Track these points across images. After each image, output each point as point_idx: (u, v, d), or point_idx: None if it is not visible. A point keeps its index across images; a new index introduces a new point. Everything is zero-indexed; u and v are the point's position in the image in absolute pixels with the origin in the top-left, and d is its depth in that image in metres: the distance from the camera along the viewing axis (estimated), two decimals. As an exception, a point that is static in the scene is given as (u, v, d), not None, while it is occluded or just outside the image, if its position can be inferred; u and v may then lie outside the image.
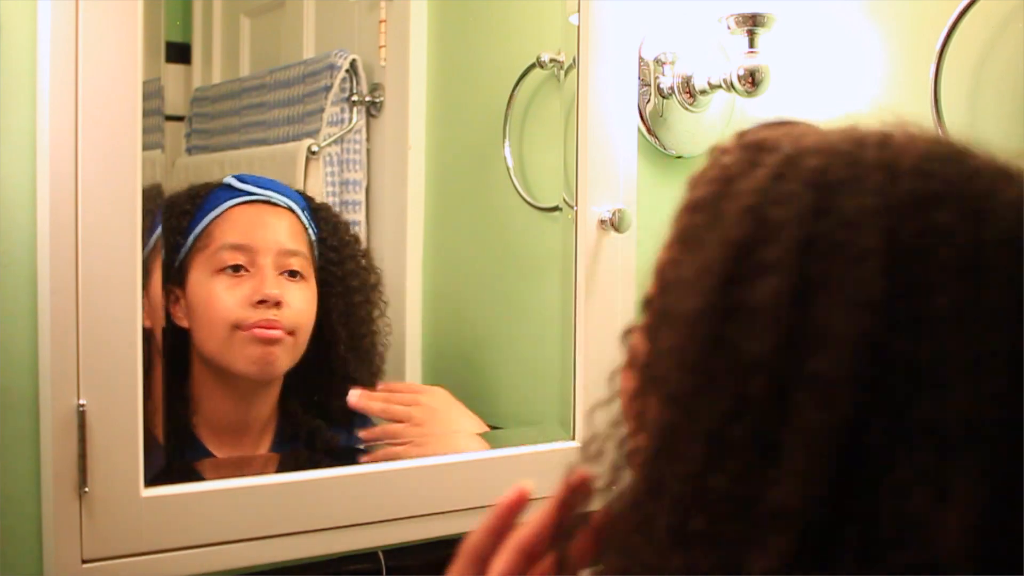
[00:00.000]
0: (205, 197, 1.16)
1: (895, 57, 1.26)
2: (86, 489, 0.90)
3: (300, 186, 1.28)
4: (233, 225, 1.15)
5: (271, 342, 1.12)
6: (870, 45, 1.28)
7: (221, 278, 1.12)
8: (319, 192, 1.30)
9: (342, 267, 1.24)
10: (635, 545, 0.48)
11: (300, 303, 1.16)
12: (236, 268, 1.13)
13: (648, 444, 0.49)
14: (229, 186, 1.17)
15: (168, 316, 1.11)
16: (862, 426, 0.43)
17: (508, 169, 1.36)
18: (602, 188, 1.22)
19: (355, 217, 1.32)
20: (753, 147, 0.51)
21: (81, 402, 0.90)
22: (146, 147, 0.93)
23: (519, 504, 0.63)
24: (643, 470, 0.50)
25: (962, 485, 0.42)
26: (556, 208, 1.28)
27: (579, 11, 1.21)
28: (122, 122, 0.91)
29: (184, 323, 1.13)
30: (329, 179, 1.32)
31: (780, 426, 0.44)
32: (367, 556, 1.08)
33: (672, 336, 0.49)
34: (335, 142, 1.32)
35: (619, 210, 1.21)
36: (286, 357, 1.15)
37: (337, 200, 1.32)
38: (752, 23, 1.26)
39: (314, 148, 1.30)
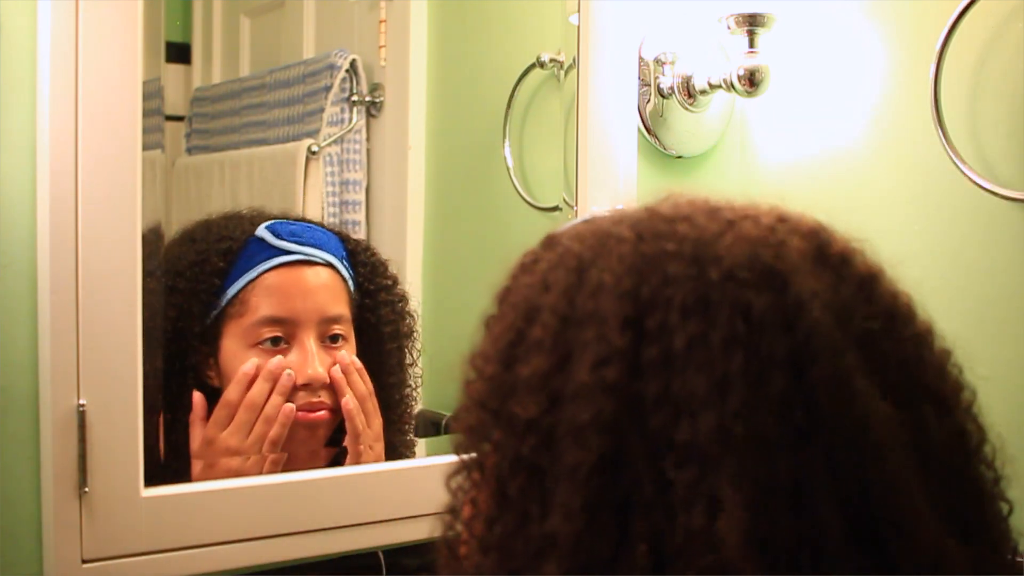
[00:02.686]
0: (237, 254, 1.08)
1: (895, 57, 1.26)
2: (86, 489, 0.90)
3: (300, 186, 1.28)
4: (270, 293, 1.07)
5: (316, 425, 1.08)
6: (870, 45, 1.28)
7: (258, 352, 1.06)
8: (319, 192, 1.29)
9: (376, 313, 1.17)
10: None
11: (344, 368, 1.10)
12: (276, 341, 1.06)
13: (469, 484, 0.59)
14: (263, 240, 1.09)
15: (197, 375, 1.07)
16: (622, 458, 0.49)
17: (508, 169, 1.36)
18: (602, 188, 1.22)
19: (355, 217, 1.32)
20: (546, 243, 0.60)
21: (81, 402, 0.90)
22: (146, 147, 0.93)
23: None
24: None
25: (728, 494, 0.47)
26: (556, 208, 1.28)
27: (579, 11, 1.21)
28: (122, 122, 0.91)
29: (216, 383, 1.07)
30: (329, 179, 1.32)
31: (548, 475, 0.50)
32: (367, 556, 1.08)
33: (468, 405, 0.57)
34: (335, 142, 1.32)
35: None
36: (331, 425, 1.09)
37: (337, 200, 1.32)
38: (752, 23, 1.26)
39: (314, 148, 1.30)
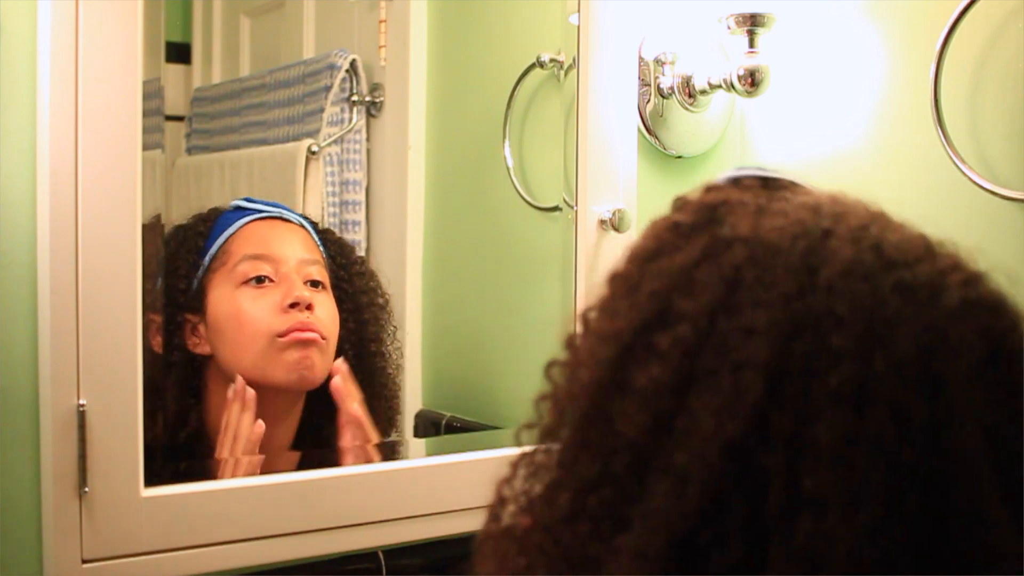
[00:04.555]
0: (216, 219, 1.15)
1: (895, 57, 1.26)
2: (86, 489, 0.90)
3: (300, 186, 1.28)
4: (250, 239, 1.14)
5: (309, 344, 1.10)
6: (870, 45, 1.28)
7: (245, 291, 1.11)
8: (319, 192, 1.30)
9: (351, 284, 1.22)
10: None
11: (327, 310, 1.15)
12: (260, 280, 1.11)
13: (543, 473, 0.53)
14: (239, 207, 1.16)
15: (183, 346, 1.10)
16: (712, 522, 0.44)
17: (508, 169, 1.36)
18: (602, 188, 1.22)
19: (355, 217, 1.32)
20: (693, 222, 0.51)
21: (81, 402, 0.90)
22: (146, 147, 0.93)
23: None
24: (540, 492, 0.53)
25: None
26: (556, 208, 1.28)
27: (579, 11, 1.21)
28: (122, 122, 0.91)
29: (203, 349, 1.11)
30: (329, 179, 1.32)
31: (633, 504, 0.46)
32: (367, 556, 1.08)
33: (568, 396, 0.52)
34: (335, 142, 1.32)
35: (619, 210, 1.21)
36: (322, 363, 1.13)
37: (337, 200, 1.32)
38: (752, 23, 1.26)
39: (314, 148, 1.30)
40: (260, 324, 1.10)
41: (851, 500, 0.43)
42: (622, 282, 0.53)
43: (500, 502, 0.56)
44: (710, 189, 0.54)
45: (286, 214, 1.18)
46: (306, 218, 1.22)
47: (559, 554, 0.49)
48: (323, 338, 1.12)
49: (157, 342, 1.03)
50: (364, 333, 1.22)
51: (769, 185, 0.54)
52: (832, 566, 0.43)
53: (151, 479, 0.94)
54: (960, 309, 0.46)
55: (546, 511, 0.51)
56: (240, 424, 1.07)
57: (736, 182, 0.54)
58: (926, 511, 0.43)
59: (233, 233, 1.13)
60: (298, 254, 1.15)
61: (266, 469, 1.10)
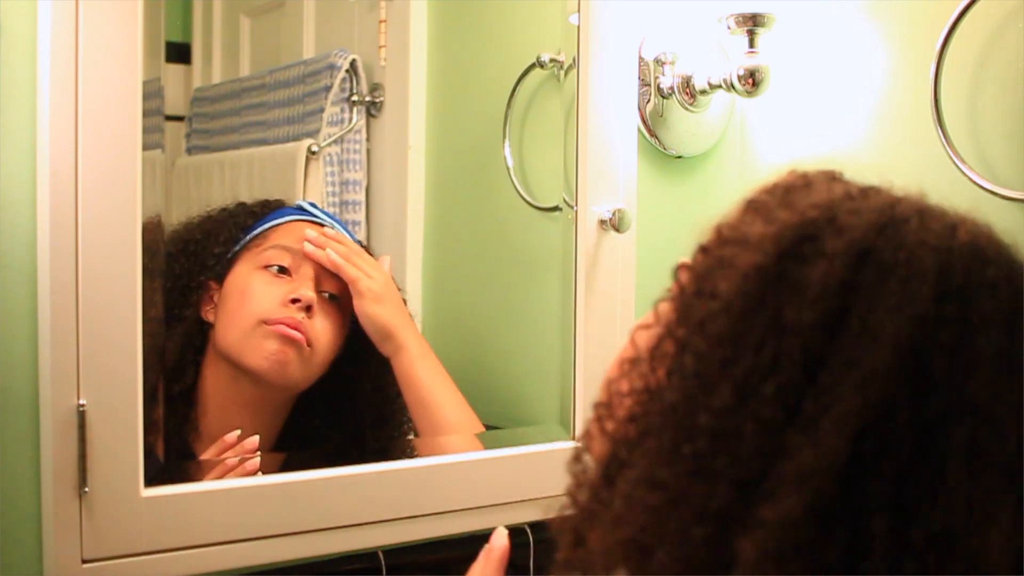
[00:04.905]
0: (275, 209, 1.19)
1: (895, 57, 1.26)
2: (86, 489, 0.90)
3: (300, 186, 1.28)
4: (290, 233, 1.16)
5: (289, 341, 1.11)
6: (870, 45, 1.28)
7: (263, 274, 1.13)
8: (319, 192, 1.30)
9: None
10: (657, 472, 0.52)
11: (328, 323, 1.15)
12: (281, 269, 1.14)
13: (673, 377, 0.54)
14: (302, 208, 1.20)
15: (197, 310, 1.13)
16: (890, 417, 0.48)
17: (508, 169, 1.36)
18: (602, 188, 1.22)
19: (355, 217, 1.32)
20: (831, 174, 0.59)
21: (81, 402, 0.89)
22: (146, 147, 0.93)
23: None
24: (669, 396, 0.53)
25: (1005, 513, 0.47)
26: (556, 208, 1.28)
27: (579, 11, 1.21)
28: (122, 122, 0.91)
29: (210, 316, 1.13)
30: (329, 179, 1.32)
31: (804, 396, 0.49)
32: (367, 556, 1.08)
33: (722, 283, 0.53)
34: (335, 142, 1.32)
35: (619, 210, 1.21)
36: (299, 367, 1.13)
37: (337, 200, 1.32)
38: (752, 23, 1.26)
39: (314, 148, 1.30)
40: (256, 306, 1.11)
41: (1013, 411, 0.48)
42: (772, 194, 0.57)
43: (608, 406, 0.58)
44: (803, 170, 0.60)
45: (339, 228, 1.20)
46: (360, 243, 1.24)
47: (730, 448, 0.50)
48: (308, 344, 1.12)
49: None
50: (377, 356, 1.21)
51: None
52: (994, 468, 0.47)
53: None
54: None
55: (703, 403, 0.51)
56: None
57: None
58: None
59: (279, 224, 1.17)
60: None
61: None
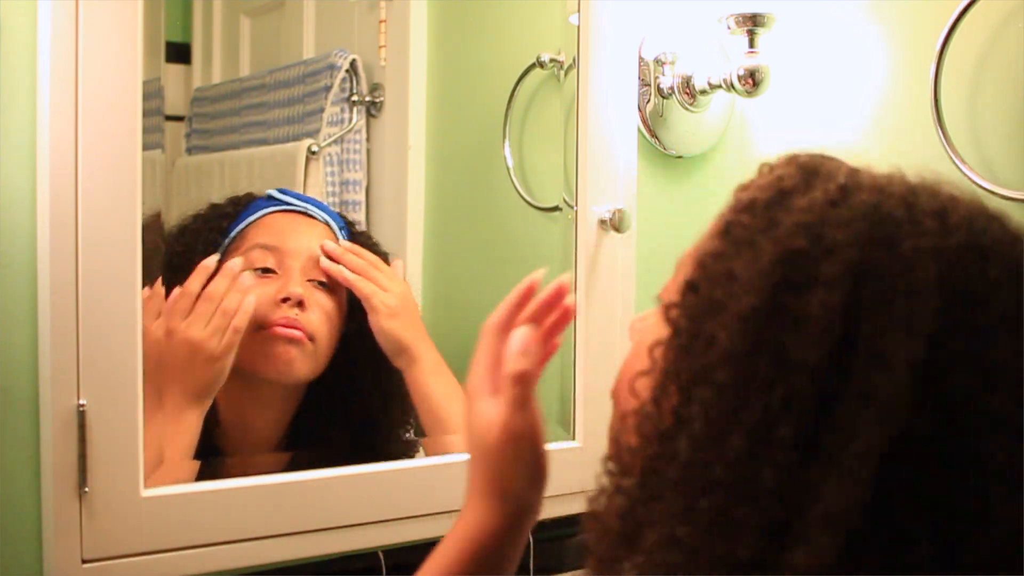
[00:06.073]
0: (246, 205, 1.17)
1: (895, 57, 1.26)
2: (86, 489, 0.90)
3: (300, 186, 1.28)
4: (267, 229, 1.15)
5: (291, 341, 1.11)
6: (870, 45, 1.28)
7: (249, 278, 1.12)
8: (319, 192, 1.29)
9: None
10: (676, 530, 0.51)
11: (324, 310, 1.14)
12: (265, 270, 1.13)
13: (682, 429, 0.52)
14: (271, 197, 1.18)
15: None
16: (914, 444, 0.47)
17: (508, 169, 1.36)
18: (602, 188, 1.22)
19: (355, 217, 1.32)
20: (807, 169, 0.54)
21: (81, 402, 0.89)
22: (146, 147, 0.93)
23: (531, 290, 0.78)
24: (681, 451, 0.51)
25: None
26: (556, 208, 1.28)
27: (579, 11, 1.21)
28: (122, 122, 0.91)
29: None
30: (329, 179, 1.32)
31: (821, 433, 0.48)
32: (367, 556, 1.08)
33: (720, 331, 0.51)
34: (335, 142, 1.32)
35: (619, 210, 1.21)
36: (305, 362, 1.13)
37: (337, 200, 1.32)
38: (752, 23, 1.26)
39: (314, 148, 1.30)
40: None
41: None
42: (749, 213, 0.54)
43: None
44: (794, 155, 0.57)
45: (312, 210, 1.19)
46: (343, 218, 1.22)
47: (750, 498, 0.49)
48: (309, 338, 1.12)
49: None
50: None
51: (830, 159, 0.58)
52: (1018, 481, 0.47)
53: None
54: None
55: (716, 457, 0.50)
56: (228, 297, 1.06)
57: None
58: None
59: (254, 221, 1.15)
60: (310, 251, 1.15)
61: (253, 463, 1.12)
